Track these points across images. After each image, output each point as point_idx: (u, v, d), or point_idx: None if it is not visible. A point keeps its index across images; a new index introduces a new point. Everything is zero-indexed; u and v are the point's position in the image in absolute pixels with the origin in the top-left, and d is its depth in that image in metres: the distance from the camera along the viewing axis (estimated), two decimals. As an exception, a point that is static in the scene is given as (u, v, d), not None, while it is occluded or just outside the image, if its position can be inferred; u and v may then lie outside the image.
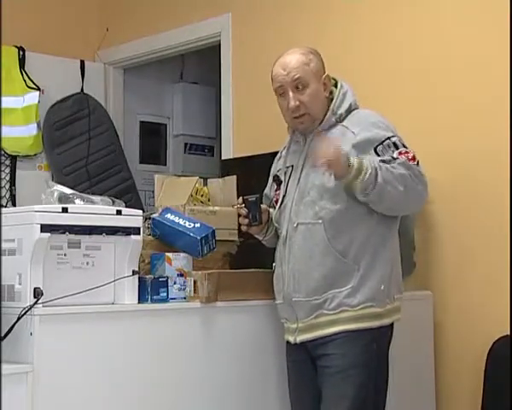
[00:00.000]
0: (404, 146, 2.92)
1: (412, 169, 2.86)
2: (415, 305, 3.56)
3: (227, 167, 4.24)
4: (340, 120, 2.98)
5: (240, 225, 3.15)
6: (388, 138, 2.90)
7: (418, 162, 2.90)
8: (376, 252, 2.92)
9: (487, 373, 3.46)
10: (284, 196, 3.05)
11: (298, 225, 2.96)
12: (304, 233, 2.95)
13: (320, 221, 2.91)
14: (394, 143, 2.90)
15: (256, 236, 3.18)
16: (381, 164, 2.83)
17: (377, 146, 2.89)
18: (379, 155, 2.87)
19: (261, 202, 3.09)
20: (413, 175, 2.85)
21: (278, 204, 3.07)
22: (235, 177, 3.51)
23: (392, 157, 2.87)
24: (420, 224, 3.71)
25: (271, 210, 3.14)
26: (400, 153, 2.88)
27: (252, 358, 3.18)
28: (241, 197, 3.10)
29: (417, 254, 3.68)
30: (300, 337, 2.98)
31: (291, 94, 2.96)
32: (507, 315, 3.35)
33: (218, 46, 4.79)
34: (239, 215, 3.12)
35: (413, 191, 2.87)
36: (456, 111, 3.72)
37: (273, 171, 3.21)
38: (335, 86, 3.04)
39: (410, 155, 2.88)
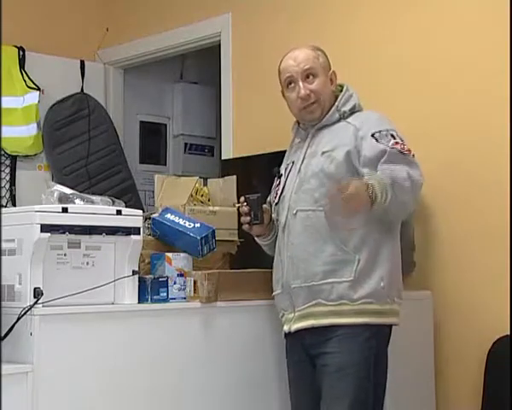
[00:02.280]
0: (402, 139, 2.95)
1: (406, 164, 2.88)
2: (415, 305, 3.56)
3: (227, 167, 4.24)
4: (344, 117, 3.02)
5: (241, 224, 3.16)
6: (387, 130, 2.95)
7: (413, 156, 2.94)
8: (377, 247, 2.93)
9: (487, 373, 3.46)
10: (283, 188, 3.07)
11: (297, 212, 2.97)
12: (303, 220, 2.96)
13: (321, 208, 2.92)
14: (392, 134, 2.94)
15: (258, 240, 3.19)
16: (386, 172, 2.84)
17: (375, 133, 2.93)
18: (376, 140, 2.91)
19: (263, 202, 3.11)
20: (408, 166, 2.87)
21: (277, 196, 3.09)
22: (235, 177, 3.52)
23: (388, 146, 2.89)
24: (420, 224, 3.71)
25: (273, 211, 3.15)
26: (396, 143, 2.92)
27: (252, 358, 3.18)
28: (242, 196, 3.11)
29: (417, 254, 3.69)
30: (296, 325, 2.97)
31: (301, 83, 3.01)
32: (507, 315, 3.35)
33: (218, 46, 4.79)
34: (240, 214, 3.13)
35: (415, 183, 2.88)
36: (457, 111, 3.72)
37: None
38: (341, 91, 3.08)
39: (406, 148, 2.92)
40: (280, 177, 3.13)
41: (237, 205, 3.17)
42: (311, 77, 3.01)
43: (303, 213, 2.96)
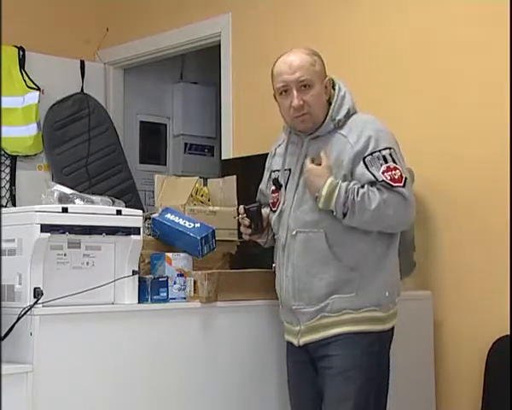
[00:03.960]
0: (394, 161, 2.87)
1: (386, 195, 2.82)
2: (415, 305, 3.56)
3: (227, 167, 4.24)
4: (339, 126, 2.95)
5: (241, 232, 3.15)
6: (379, 151, 2.87)
7: (405, 181, 2.86)
8: (379, 261, 2.91)
9: (487, 373, 3.46)
10: (283, 201, 3.03)
11: (297, 233, 2.94)
12: (304, 241, 2.93)
13: (322, 230, 2.90)
14: (384, 157, 2.87)
15: (256, 240, 3.18)
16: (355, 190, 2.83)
17: (366, 156, 2.86)
18: (366, 166, 2.85)
19: (261, 209, 3.09)
20: (385, 201, 2.81)
21: (278, 209, 3.04)
22: (235, 177, 3.51)
23: (376, 178, 2.83)
24: (420, 225, 3.71)
25: (270, 214, 3.12)
26: (388, 168, 2.85)
27: (252, 358, 3.18)
28: (241, 207, 3.09)
29: (417, 255, 3.68)
30: (303, 339, 2.97)
31: (295, 93, 2.91)
32: (507, 315, 3.35)
33: (218, 46, 4.80)
34: (240, 224, 3.12)
35: (382, 218, 2.84)
36: (457, 114, 3.72)
37: (268, 167, 3.19)
38: (333, 88, 3.01)
39: (397, 175, 2.85)
40: (279, 187, 3.06)
41: (237, 217, 3.16)
42: (305, 87, 2.91)
43: (303, 234, 2.93)
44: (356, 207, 2.81)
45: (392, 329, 2.98)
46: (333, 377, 2.90)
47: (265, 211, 3.12)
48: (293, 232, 2.95)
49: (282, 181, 3.06)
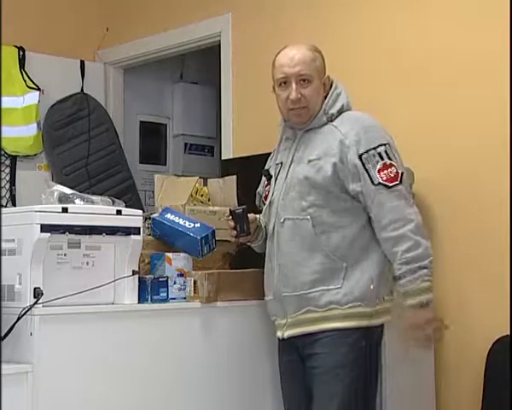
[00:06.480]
0: (390, 158, 2.89)
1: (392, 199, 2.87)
2: (415, 305, 3.55)
3: (227, 167, 4.24)
4: (331, 119, 2.98)
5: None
6: (374, 148, 2.89)
7: (402, 177, 2.88)
8: (365, 252, 2.92)
9: (487, 373, 3.46)
10: (273, 192, 3.06)
11: (285, 220, 2.96)
12: (291, 228, 2.95)
13: (308, 217, 2.91)
14: (379, 154, 2.89)
15: (247, 243, 3.19)
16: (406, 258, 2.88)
17: (362, 154, 2.88)
18: (363, 163, 2.87)
19: (248, 213, 3.08)
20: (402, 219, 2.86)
21: (268, 200, 3.08)
22: (235, 177, 3.52)
23: (372, 182, 2.86)
24: (420, 224, 3.71)
25: (260, 215, 3.14)
26: (384, 165, 2.87)
27: (251, 358, 3.18)
28: (228, 209, 3.11)
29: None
30: (288, 332, 2.98)
31: (294, 86, 2.95)
32: (507, 315, 3.35)
33: (218, 46, 4.80)
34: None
35: (401, 214, 2.87)
36: (456, 110, 3.72)
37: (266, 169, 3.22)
38: (330, 86, 3.04)
39: (393, 172, 2.87)
40: (270, 179, 3.10)
41: (223, 219, 3.17)
42: (305, 82, 2.95)
43: (290, 221, 2.95)
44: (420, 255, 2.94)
45: (382, 326, 2.98)
46: (320, 375, 2.90)
47: (253, 216, 3.12)
48: (281, 220, 2.97)
49: (272, 172, 3.09)
